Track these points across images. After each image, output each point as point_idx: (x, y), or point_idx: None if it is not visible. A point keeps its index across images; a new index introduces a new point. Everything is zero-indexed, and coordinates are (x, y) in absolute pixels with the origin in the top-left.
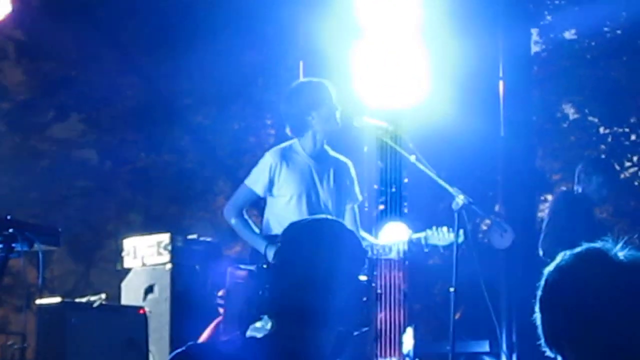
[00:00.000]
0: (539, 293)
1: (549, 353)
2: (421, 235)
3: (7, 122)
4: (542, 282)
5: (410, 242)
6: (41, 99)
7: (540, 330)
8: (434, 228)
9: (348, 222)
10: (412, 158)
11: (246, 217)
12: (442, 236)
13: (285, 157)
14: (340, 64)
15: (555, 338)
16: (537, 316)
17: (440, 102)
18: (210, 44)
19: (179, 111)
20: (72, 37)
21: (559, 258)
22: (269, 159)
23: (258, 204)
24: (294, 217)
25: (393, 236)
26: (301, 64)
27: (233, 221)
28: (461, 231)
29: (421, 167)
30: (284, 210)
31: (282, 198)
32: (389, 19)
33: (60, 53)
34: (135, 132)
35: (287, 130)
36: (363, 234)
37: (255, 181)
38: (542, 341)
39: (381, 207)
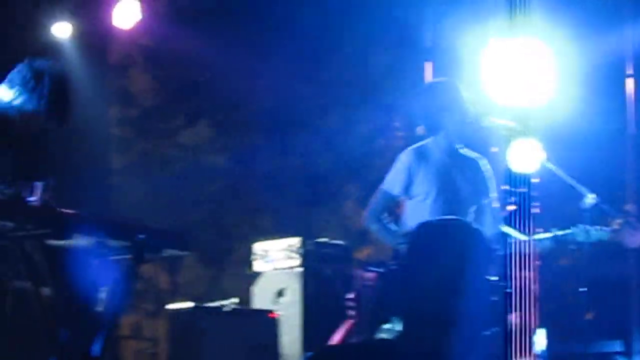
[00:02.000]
0: None
1: None
2: (567, 232)
3: (136, 128)
4: None
5: (555, 239)
6: (169, 105)
7: None
8: (580, 225)
9: (487, 219)
10: (543, 157)
11: (386, 221)
12: (588, 233)
13: (421, 156)
14: (468, 63)
15: None
16: None
17: (567, 101)
18: (337, 47)
19: (308, 115)
20: (199, 42)
21: None
22: (405, 159)
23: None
24: (432, 215)
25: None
26: (428, 65)
27: (373, 227)
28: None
29: (551, 166)
30: (422, 209)
31: (420, 197)
32: (514, 17)
33: (187, 59)
34: (265, 137)
35: (421, 129)
36: (506, 229)
37: (393, 183)
38: None
39: (511, 207)
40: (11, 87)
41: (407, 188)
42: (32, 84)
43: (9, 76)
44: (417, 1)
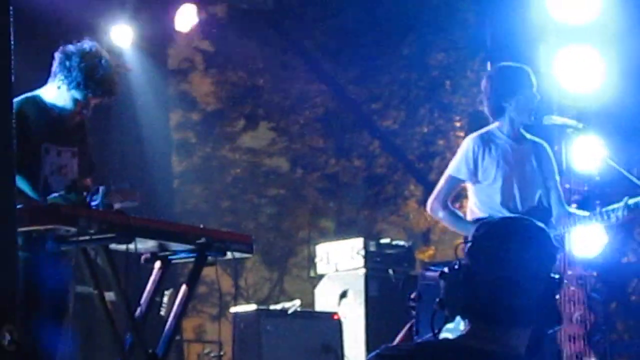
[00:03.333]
0: None
1: None
2: (638, 199)
3: (197, 132)
4: None
5: (628, 207)
6: (230, 109)
7: None
8: None
9: (554, 201)
10: (603, 155)
11: (453, 208)
12: None
13: (486, 140)
14: (528, 63)
15: None
16: None
17: (618, 91)
18: (396, 49)
19: (367, 116)
20: (258, 46)
21: None
22: (469, 144)
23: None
24: (499, 199)
25: (589, 237)
26: (489, 64)
27: (440, 214)
28: None
29: (612, 164)
30: (489, 194)
31: (486, 182)
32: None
33: (247, 62)
34: (325, 139)
35: (486, 111)
36: (574, 210)
37: (459, 168)
38: None
39: (574, 206)
40: (54, 78)
41: (473, 173)
42: (67, 65)
43: (51, 70)
44: (475, 2)
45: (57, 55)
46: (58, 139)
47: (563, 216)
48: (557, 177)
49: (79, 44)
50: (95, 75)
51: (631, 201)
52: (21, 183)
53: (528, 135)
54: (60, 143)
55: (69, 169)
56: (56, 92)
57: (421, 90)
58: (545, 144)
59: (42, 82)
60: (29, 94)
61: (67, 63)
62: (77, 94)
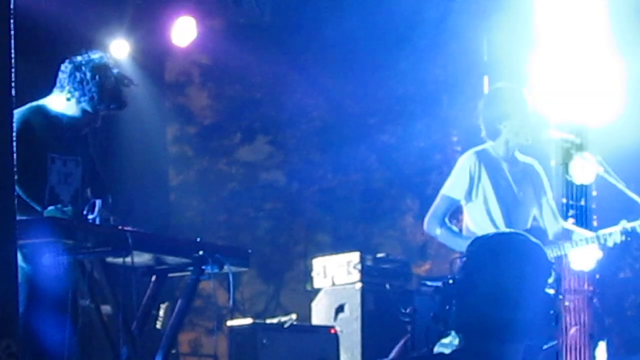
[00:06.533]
0: None
1: None
2: (636, 223)
3: (194, 146)
4: None
5: (625, 232)
6: (227, 122)
7: None
8: None
9: (549, 216)
10: (601, 170)
11: (449, 225)
12: None
13: (482, 159)
14: (526, 78)
15: None
16: None
17: (637, 121)
18: (394, 63)
19: (365, 130)
20: (256, 59)
21: None
22: (466, 162)
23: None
24: (493, 219)
25: (584, 252)
26: (486, 79)
27: (438, 232)
28: None
29: (610, 179)
30: (483, 213)
31: (480, 201)
32: (579, 29)
33: (244, 76)
34: (322, 153)
35: (482, 134)
36: (569, 226)
37: (454, 187)
38: None
39: (571, 220)
40: (62, 89)
41: (469, 191)
42: (78, 77)
43: (57, 81)
44: (474, 16)
45: (66, 66)
46: (63, 149)
47: (560, 233)
48: (550, 194)
49: (87, 55)
50: (109, 89)
51: (628, 225)
52: (24, 194)
53: (520, 157)
54: (65, 152)
55: (74, 178)
56: (65, 103)
57: (418, 105)
58: (536, 163)
59: (42, 95)
60: (33, 104)
61: (78, 75)
62: (89, 107)
